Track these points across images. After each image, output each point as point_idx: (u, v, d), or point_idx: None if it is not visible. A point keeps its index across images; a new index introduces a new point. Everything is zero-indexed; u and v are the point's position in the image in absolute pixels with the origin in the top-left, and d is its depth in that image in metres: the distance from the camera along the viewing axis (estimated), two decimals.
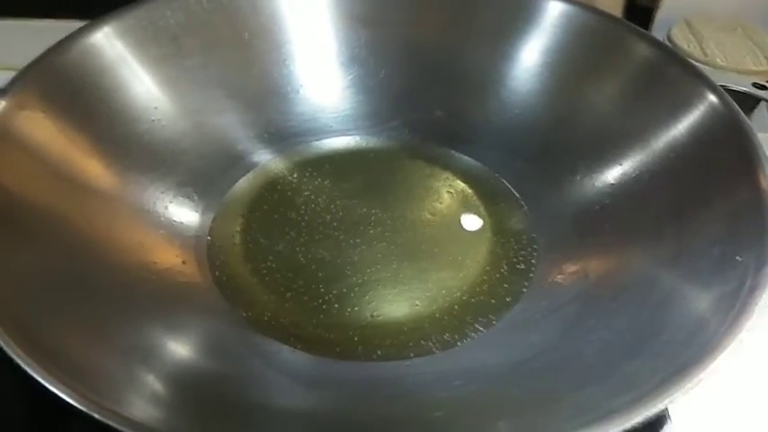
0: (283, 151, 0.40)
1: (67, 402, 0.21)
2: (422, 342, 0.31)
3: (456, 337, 0.31)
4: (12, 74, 0.31)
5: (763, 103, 0.40)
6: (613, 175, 0.35)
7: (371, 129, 0.41)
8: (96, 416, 0.20)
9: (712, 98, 0.32)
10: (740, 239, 0.27)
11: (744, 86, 0.36)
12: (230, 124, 0.39)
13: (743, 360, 0.31)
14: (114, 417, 0.20)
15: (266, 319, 0.32)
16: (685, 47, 0.51)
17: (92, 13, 0.35)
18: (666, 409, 0.24)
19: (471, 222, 0.37)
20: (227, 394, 0.27)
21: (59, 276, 0.27)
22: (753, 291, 0.24)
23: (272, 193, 0.38)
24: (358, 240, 0.36)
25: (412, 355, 0.31)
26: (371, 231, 0.36)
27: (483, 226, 0.37)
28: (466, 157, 0.41)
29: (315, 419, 0.27)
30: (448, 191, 0.39)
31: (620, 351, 0.26)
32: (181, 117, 0.37)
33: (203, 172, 0.37)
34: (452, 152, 0.41)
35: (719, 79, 0.34)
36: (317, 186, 0.39)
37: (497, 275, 0.34)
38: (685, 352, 0.23)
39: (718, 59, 0.50)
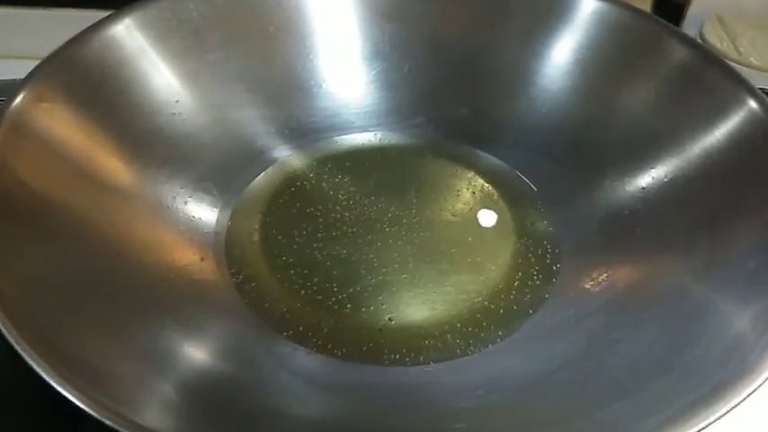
0: (304, 147, 0.39)
1: (81, 408, 0.20)
2: (441, 348, 0.30)
3: (477, 344, 0.31)
4: (33, 63, 0.31)
5: None
6: (645, 179, 0.34)
7: (394, 125, 0.41)
8: (109, 422, 0.20)
9: (752, 104, 0.31)
10: None
11: None
12: (251, 119, 0.38)
13: None
14: (127, 423, 0.20)
15: (282, 318, 0.31)
16: (718, 45, 0.49)
17: (114, 4, 0.35)
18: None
19: (494, 224, 0.37)
20: (240, 398, 0.26)
21: (76, 276, 0.27)
22: None
23: (291, 189, 0.38)
24: (376, 239, 0.35)
25: (431, 361, 0.30)
26: (390, 230, 0.36)
27: (506, 228, 0.36)
28: (491, 157, 0.40)
29: (328, 425, 0.26)
30: (471, 191, 0.38)
31: (649, 366, 0.25)
32: (202, 111, 0.37)
33: (223, 167, 0.37)
34: (477, 151, 0.40)
35: (757, 82, 0.33)
36: (338, 183, 0.38)
37: (520, 280, 0.33)
38: (720, 371, 0.22)
39: (752, 58, 0.49)
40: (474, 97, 0.40)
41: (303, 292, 0.33)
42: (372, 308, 0.32)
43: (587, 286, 0.32)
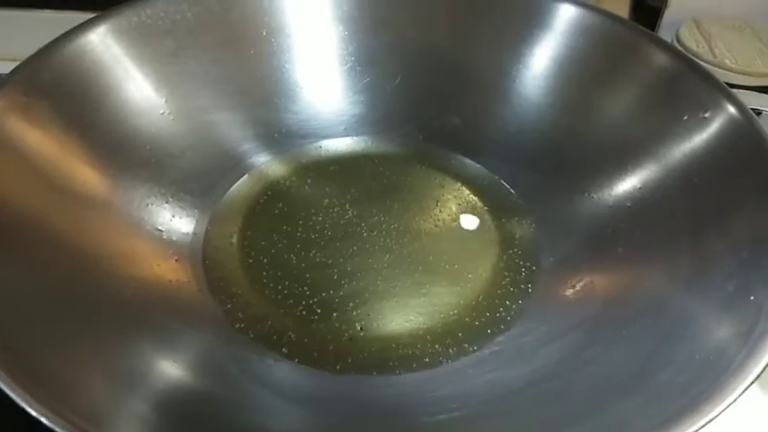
0: (290, 151, 0.39)
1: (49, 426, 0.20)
2: (411, 359, 0.30)
3: (446, 357, 0.31)
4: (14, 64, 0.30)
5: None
6: (629, 193, 0.34)
7: (383, 133, 0.41)
8: None
9: (730, 108, 0.31)
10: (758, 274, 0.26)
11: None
12: (238, 123, 0.38)
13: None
14: None
15: (252, 323, 0.31)
16: (694, 47, 0.50)
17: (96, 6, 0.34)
18: None
19: (476, 235, 0.36)
20: (210, 410, 0.26)
21: (45, 286, 0.27)
22: (764, 335, 0.23)
23: (274, 193, 0.38)
24: (356, 248, 0.35)
25: (399, 372, 0.30)
26: (370, 238, 0.36)
27: (488, 240, 0.36)
28: (478, 166, 0.40)
29: None
30: (456, 201, 0.38)
31: (614, 388, 0.26)
32: (189, 112, 0.36)
33: (206, 170, 0.37)
34: (464, 160, 0.40)
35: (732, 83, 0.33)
36: (321, 189, 0.38)
37: (497, 294, 0.33)
38: (681, 398, 0.22)
39: (727, 60, 0.49)
40: (461, 106, 0.40)
41: (275, 296, 0.33)
42: (347, 318, 0.32)
43: (564, 303, 0.32)
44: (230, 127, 0.38)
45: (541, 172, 0.38)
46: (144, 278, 0.30)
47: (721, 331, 0.25)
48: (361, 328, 0.31)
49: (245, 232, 0.35)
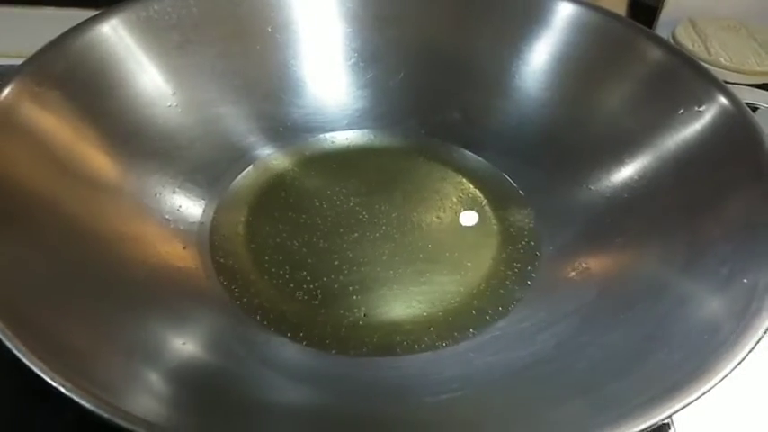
0: (295, 144, 0.40)
1: (72, 399, 0.20)
2: (413, 343, 0.31)
3: (448, 342, 0.31)
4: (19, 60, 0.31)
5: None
6: (626, 184, 0.35)
7: (386, 127, 0.41)
8: (103, 413, 0.20)
9: (723, 100, 0.32)
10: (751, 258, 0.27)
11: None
12: (244, 115, 0.39)
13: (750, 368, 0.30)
14: (118, 413, 0.20)
15: (262, 309, 0.32)
16: (690, 46, 0.51)
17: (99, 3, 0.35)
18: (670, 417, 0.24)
19: (477, 226, 0.37)
20: (217, 386, 0.27)
21: (60, 265, 0.27)
22: (757, 313, 0.24)
23: (279, 184, 0.38)
24: (360, 237, 0.36)
25: (403, 354, 0.31)
26: (375, 230, 0.36)
27: (489, 231, 0.37)
28: (479, 159, 0.40)
29: (304, 414, 0.27)
30: (458, 193, 0.39)
31: (612, 368, 0.26)
32: (196, 105, 0.37)
33: (214, 160, 0.37)
34: (466, 153, 0.41)
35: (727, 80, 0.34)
36: (326, 180, 0.39)
37: (498, 282, 0.34)
38: (677, 373, 0.23)
39: (722, 59, 0.50)
40: (464, 101, 0.41)
41: (280, 282, 0.33)
42: (351, 304, 0.33)
43: (563, 289, 0.33)
44: (236, 120, 0.39)
45: (541, 165, 0.38)
46: (154, 263, 0.31)
47: (716, 311, 0.26)
48: (364, 314, 0.32)
49: (250, 221, 0.36)
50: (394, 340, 0.31)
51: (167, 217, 0.34)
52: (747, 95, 0.40)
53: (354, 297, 0.33)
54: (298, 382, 0.29)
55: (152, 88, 0.36)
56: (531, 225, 0.37)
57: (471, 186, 0.39)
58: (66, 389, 0.20)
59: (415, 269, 0.34)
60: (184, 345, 0.28)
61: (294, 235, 0.36)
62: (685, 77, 0.35)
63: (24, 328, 0.22)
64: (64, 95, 0.32)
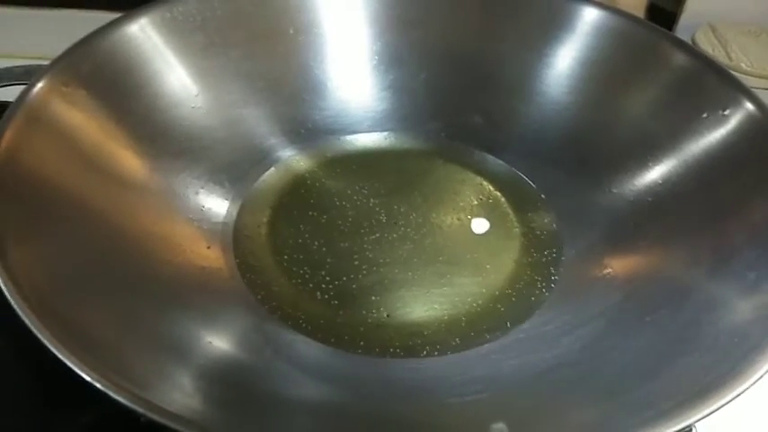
0: (317, 145, 0.40)
1: (103, 392, 0.20)
2: (435, 344, 0.31)
3: (471, 344, 0.31)
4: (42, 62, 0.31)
5: None
6: (650, 188, 0.35)
7: (407, 129, 0.41)
8: (136, 407, 0.20)
9: (749, 105, 0.32)
10: None
11: None
12: (267, 116, 0.39)
13: None
14: (145, 404, 0.20)
15: (284, 308, 0.32)
16: (710, 51, 0.51)
17: (123, 5, 0.35)
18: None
19: (498, 229, 0.37)
20: (243, 384, 0.27)
21: (88, 262, 0.27)
22: None
23: (301, 185, 0.39)
24: (379, 238, 0.36)
25: (425, 355, 0.31)
26: (395, 231, 0.36)
27: (510, 233, 0.37)
28: (500, 163, 0.40)
29: (324, 413, 0.27)
30: (478, 196, 0.39)
31: (639, 371, 0.26)
32: (220, 106, 0.38)
33: (237, 161, 0.37)
34: (487, 156, 0.41)
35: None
36: (347, 182, 0.39)
37: (521, 285, 0.34)
38: (708, 376, 0.23)
39: (743, 64, 0.50)
40: (486, 104, 0.41)
41: (302, 281, 0.33)
42: (373, 305, 0.33)
43: (587, 292, 0.33)
44: (259, 121, 0.39)
45: (563, 168, 0.38)
46: (179, 262, 0.31)
47: (745, 315, 0.26)
48: (387, 315, 0.32)
49: (272, 221, 0.36)
50: (417, 342, 0.31)
51: (191, 217, 0.34)
52: None
53: (374, 297, 0.33)
54: (322, 381, 0.29)
55: (179, 88, 0.36)
56: (553, 228, 0.37)
57: (492, 189, 0.39)
58: (102, 384, 0.20)
59: (435, 271, 0.34)
60: (210, 343, 0.28)
61: (315, 235, 0.36)
62: (710, 81, 0.35)
63: (57, 324, 0.22)
64: (91, 94, 0.32)
